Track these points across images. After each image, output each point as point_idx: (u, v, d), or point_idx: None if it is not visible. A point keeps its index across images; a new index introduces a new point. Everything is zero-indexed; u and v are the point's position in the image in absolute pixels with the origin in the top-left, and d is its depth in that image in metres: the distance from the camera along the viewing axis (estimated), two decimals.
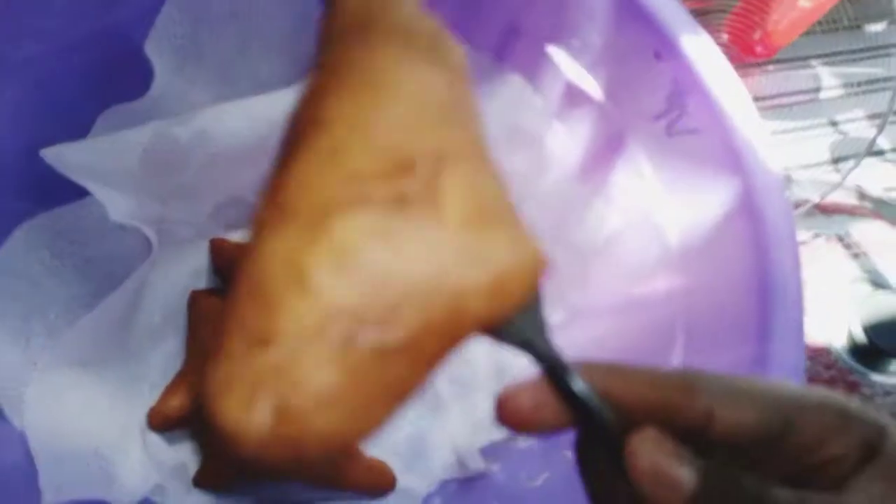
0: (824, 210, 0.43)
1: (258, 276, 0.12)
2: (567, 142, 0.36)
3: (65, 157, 0.30)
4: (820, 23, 0.51)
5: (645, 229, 0.33)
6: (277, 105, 0.34)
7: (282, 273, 0.11)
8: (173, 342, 0.37)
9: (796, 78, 0.52)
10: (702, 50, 0.30)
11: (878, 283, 0.39)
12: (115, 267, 0.34)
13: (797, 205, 0.42)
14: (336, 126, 0.12)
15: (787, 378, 0.24)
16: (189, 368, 0.35)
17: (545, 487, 0.33)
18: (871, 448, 0.15)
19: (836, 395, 0.16)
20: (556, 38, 0.34)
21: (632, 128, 0.34)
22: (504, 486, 0.35)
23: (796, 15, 0.50)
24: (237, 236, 0.39)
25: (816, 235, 0.41)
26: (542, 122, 0.36)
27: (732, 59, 0.47)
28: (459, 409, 0.36)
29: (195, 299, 0.37)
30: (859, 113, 0.51)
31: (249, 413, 0.11)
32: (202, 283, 0.39)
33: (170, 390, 0.34)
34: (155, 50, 0.33)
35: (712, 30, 0.51)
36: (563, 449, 0.33)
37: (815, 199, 0.41)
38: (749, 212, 0.28)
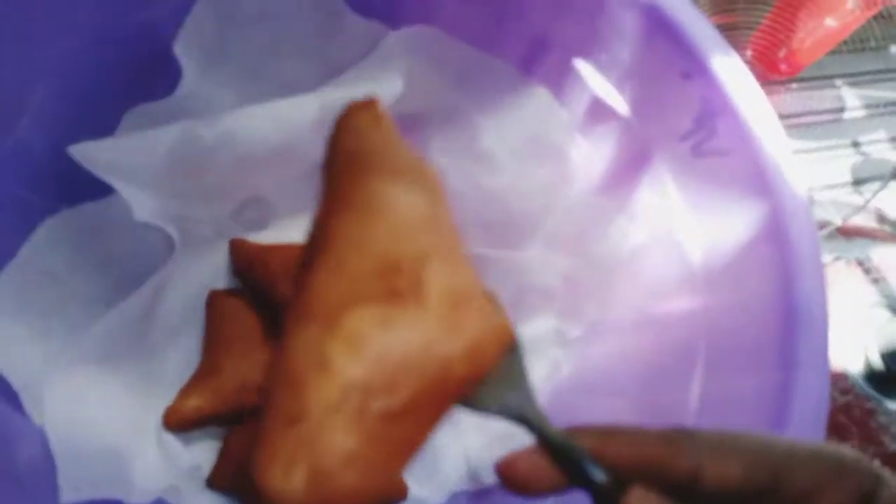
0: (845, 233, 0.43)
1: (288, 365, 0.14)
2: (592, 156, 0.36)
3: (91, 155, 0.30)
4: (846, 42, 0.51)
5: (667, 247, 0.33)
6: (302, 108, 0.34)
7: (306, 361, 0.14)
8: (191, 341, 0.37)
9: (820, 97, 0.51)
10: (732, 71, 0.30)
11: None
12: (137, 264, 0.34)
13: (818, 227, 0.42)
14: (339, 243, 0.15)
15: (810, 406, 0.24)
16: (205, 368, 0.35)
17: (557, 502, 0.33)
18: (867, 498, 0.15)
19: (831, 446, 0.16)
20: (585, 53, 0.34)
21: (657, 145, 0.33)
22: (515, 499, 0.35)
23: (822, 34, 0.50)
24: (257, 237, 0.39)
25: (837, 258, 0.41)
26: (566, 135, 0.36)
27: (757, 76, 0.47)
28: (473, 422, 0.36)
29: (213, 299, 0.37)
30: (882, 135, 0.51)
31: (288, 480, 0.13)
32: (221, 282, 0.39)
33: (186, 391, 0.34)
34: (184, 50, 0.33)
35: (737, 46, 0.51)
36: None
37: (837, 221, 0.41)
38: (775, 236, 0.28)
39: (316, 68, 0.37)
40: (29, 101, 0.29)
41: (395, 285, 0.15)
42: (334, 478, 0.13)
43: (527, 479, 0.16)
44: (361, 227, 0.15)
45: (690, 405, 0.30)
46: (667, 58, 0.32)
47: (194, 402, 0.34)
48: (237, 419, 0.35)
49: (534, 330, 0.37)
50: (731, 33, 0.51)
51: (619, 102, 0.34)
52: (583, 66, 0.35)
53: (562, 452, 0.16)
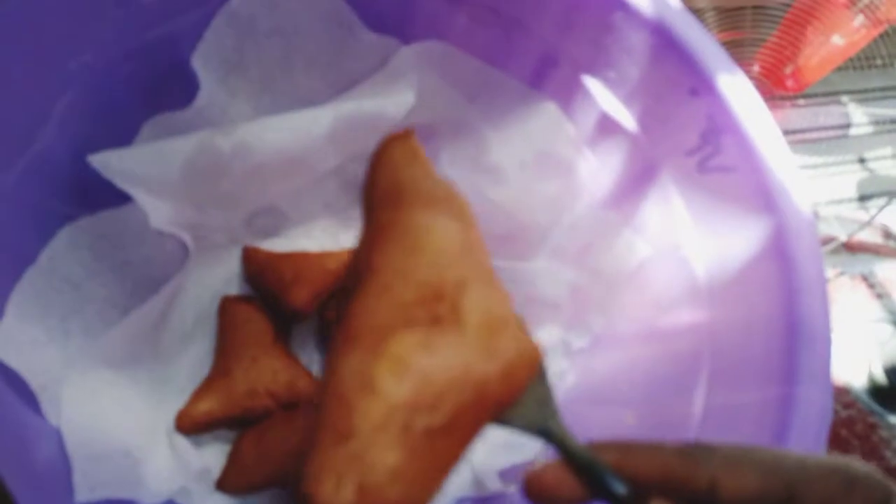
0: (850, 248, 0.43)
1: (337, 387, 0.16)
2: (599, 170, 0.36)
3: (111, 164, 0.31)
4: (853, 60, 0.51)
5: (672, 261, 0.34)
6: (316, 120, 0.35)
7: (354, 383, 0.15)
8: (203, 346, 0.38)
9: (826, 113, 0.52)
10: (737, 89, 0.31)
11: None
12: (152, 270, 0.35)
13: (823, 242, 0.42)
14: (383, 272, 0.17)
15: (813, 421, 0.24)
16: (217, 373, 0.36)
17: None
18: None
19: (843, 459, 0.17)
20: (593, 69, 0.35)
21: (664, 161, 0.34)
22: None
23: (829, 51, 0.51)
24: (269, 244, 0.40)
25: (841, 274, 0.41)
26: (574, 149, 0.37)
27: (763, 91, 0.48)
28: None
29: (226, 305, 0.38)
30: (888, 151, 0.52)
31: (339, 493, 0.14)
32: (233, 289, 0.39)
33: (198, 395, 0.35)
34: (202, 62, 0.34)
35: (744, 62, 0.52)
36: None
37: (842, 237, 0.42)
38: (779, 252, 0.29)
39: (329, 81, 0.37)
40: (52, 112, 0.30)
41: (436, 311, 0.16)
42: (382, 491, 0.15)
43: (551, 491, 0.17)
44: (404, 256, 0.17)
45: (694, 417, 0.30)
46: (674, 75, 0.32)
47: (205, 406, 0.34)
48: (247, 423, 0.36)
49: (540, 340, 0.38)
50: (739, 49, 0.51)
51: (626, 118, 0.35)
52: (591, 82, 0.35)
53: (584, 466, 0.17)
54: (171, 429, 0.34)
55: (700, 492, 0.17)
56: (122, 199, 0.33)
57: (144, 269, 0.35)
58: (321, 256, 0.38)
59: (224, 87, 0.35)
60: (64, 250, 0.32)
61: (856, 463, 0.17)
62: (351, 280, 0.18)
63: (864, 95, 0.53)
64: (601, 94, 0.35)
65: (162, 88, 0.34)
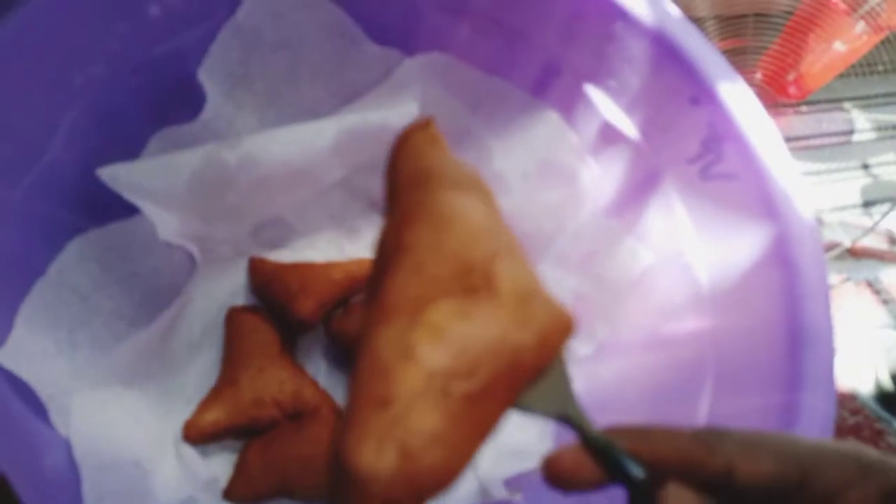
0: (854, 254, 0.43)
1: (376, 356, 0.16)
2: (601, 178, 0.37)
3: (119, 177, 0.31)
4: (855, 66, 0.52)
5: (676, 268, 0.34)
6: (321, 132, 0.35)
7: (393, 351, 0.16)
8: (210, 357, 0.38)
9: (829, 120, 0.52)
10: (739, 98, 0.31)
11: None
12: (159, 281, 0.36)
13: (828, 248, 0.42)
14: (416, 248, 0.17)
15: (816, 427, 0.24)
16: (223, 383, 0.36)
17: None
18: (891, 495, 0.16)
19: (855, 445, 0.17)
20: (595, 79, 0.35)
21: (666, 169, 0.34)
22: None
23: (831, 58, 0.51)
24: (275, 255, 0.41)
25: (846, 280, 0.41)
26: (577, 158, 0.37)
27: (765, 98, 0.48)
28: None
29: (232, 316, 0.38)
30: (891, 157, 0.52)
31: (380, 457, 0.15)
32: (240, 299, 0.40)
33: (205, 405, 0.35)
34: (208, 76, 0.34)
35: (746, 69, 0.52)
36: None
37: (847, 243, 0.42)
38: (782, 258, 0.29)
39: (334, 93, 0.38)
40: (61, 125, 0.31)
41: (470, 282, 0.17)
42: (422, 455, 0.15)
43: (570, 474, 0.18)
44: (436, 233, 0.17)
45: (699, 424, 0.30)
46: (674, 83, 0.32)
47: (212, 416, 0.35)
48: (253, 432, 0.36)
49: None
50: (741, 57, 0.52)
51: (628, 126, 0.35)
52: (593, 91, 0.36)
53: (602, 450, 0.18)
54: (179, 439, 0.35)
55: (716, 476, 0.17)
56: (131, 211, 0.33)
57: (152, 281, 0.36)
58: (326, 267, 0.39)
59: (230, 100, 0.36)
60: (73, 262, 0.33)
61: (870, 449, 0.17)
62: (379, 262, 0.18)
63: (866, 102, 0.53)
64: (603, 103, 0.35)
65: (169, 102, 0.34)
